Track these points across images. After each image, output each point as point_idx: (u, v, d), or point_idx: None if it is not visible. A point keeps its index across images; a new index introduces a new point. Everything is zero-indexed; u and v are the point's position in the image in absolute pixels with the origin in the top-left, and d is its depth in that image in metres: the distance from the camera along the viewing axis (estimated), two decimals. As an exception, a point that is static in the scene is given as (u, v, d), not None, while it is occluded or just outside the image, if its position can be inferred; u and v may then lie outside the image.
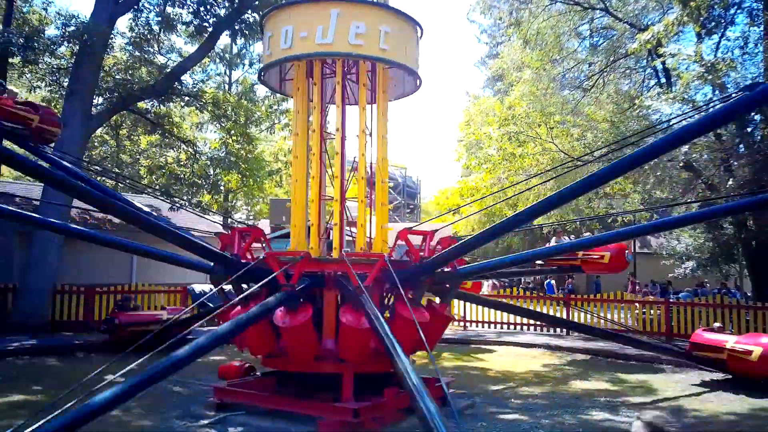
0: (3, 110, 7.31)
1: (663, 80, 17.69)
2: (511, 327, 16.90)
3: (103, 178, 31.68)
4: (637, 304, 16.06)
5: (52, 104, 20.36)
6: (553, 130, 19.72)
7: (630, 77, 20.05)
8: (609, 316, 15.38)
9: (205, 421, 7.34)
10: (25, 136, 7.77)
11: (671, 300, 16.94)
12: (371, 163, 9.13)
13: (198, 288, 14.23)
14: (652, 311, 15.39)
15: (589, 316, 15.64)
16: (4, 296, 14.88)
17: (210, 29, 18.41)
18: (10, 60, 16.57)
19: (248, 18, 18.40)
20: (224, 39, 22.25)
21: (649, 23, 16.68)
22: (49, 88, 18.76)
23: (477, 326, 17.37)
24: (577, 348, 13.82)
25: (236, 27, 18.37)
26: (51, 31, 17.79)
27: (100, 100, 18.40)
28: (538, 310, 16.63)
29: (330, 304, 7.82)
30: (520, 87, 20.74)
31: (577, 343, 14.19)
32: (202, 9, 18.15)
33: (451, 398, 8.45)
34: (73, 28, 15.96)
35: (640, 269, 26.67)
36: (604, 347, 13.41)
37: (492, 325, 17.18)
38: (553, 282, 28.26)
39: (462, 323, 17.28)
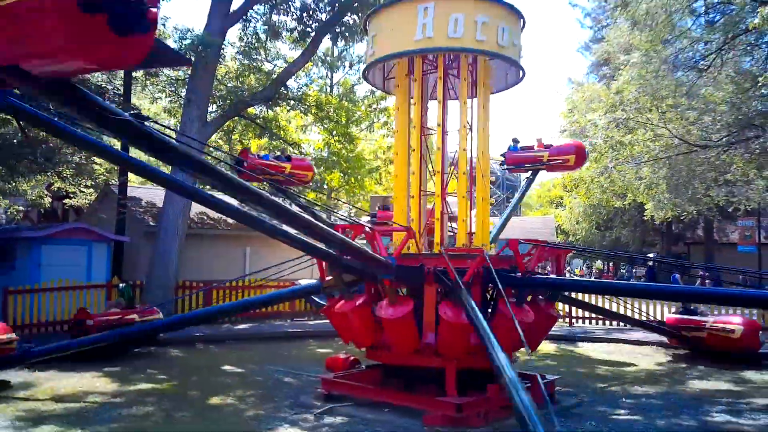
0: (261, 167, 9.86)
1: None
2: (620, 324, 16.12)
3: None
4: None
5: (172, 113, 22.00)
6: (666, 114, 18.60)
7: (752, 54, 18.48)
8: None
9: (315, 411, 7.67)
10: (280, 181, 10.09)
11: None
12: (471, 157, 9.11)
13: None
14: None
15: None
16: (134, 292, 16.25)
17: (312, 34, 19.06)
18: (134, 74, 18.04)
19: (348, 20, 18.85)
20: (325, 42, 22.89)
21: (774, -6, 15.30)
22: (169, 98, 20.21)
23: (584, 322, 16.77)
24: (696, 346, 12.96)
25: (337, 30, 18.88)
26: (169, 45, 19.16)
27: (214, 107, 19.57)
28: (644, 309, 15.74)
29: (429, 299, 7.89)
30: (628, 71, 19.71)
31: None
32: (304, 15, 18.82)
33: (556, 396, 8.31)
34: (188, 41, 17.05)
35: (765, 262, 24.56)
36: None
37: (600, 321, 16.52)
38: (678, 275, 26.72)
39: (568, 319, 16.75)
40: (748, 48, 18.18)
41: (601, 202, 27.36)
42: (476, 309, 6.52)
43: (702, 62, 18.74)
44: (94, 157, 21.24)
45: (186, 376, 10.13)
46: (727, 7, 18.24)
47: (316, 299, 11.15)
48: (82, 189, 20.79)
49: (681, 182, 18.93)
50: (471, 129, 9.01)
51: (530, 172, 11.63)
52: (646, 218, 24.93)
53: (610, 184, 22.95)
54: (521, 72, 9.28)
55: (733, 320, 11.56)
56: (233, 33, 22.22)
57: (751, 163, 16.52)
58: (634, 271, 37.45)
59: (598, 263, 44.80)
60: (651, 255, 42.19)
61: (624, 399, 8.71)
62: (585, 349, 13.54)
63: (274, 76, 20.50)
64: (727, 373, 10.64)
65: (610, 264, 43.66)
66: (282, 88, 19.47)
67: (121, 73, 18.44)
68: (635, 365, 11.47)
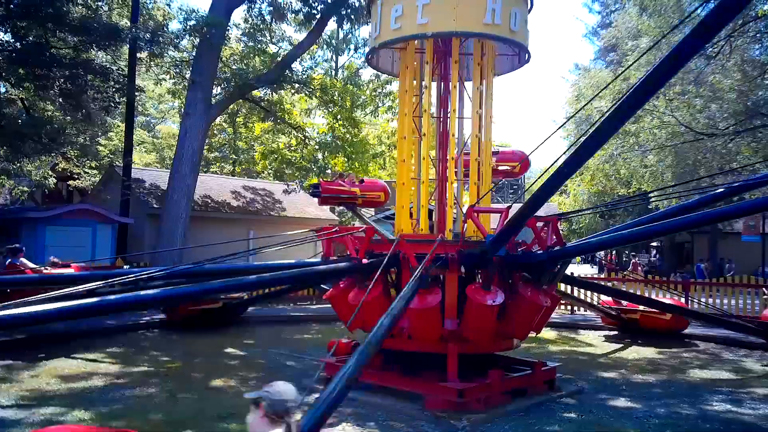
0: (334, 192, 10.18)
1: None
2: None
3: (222, 164, 33.65)
4: (765, 290, 14.79)
5: (176, 95, 21.89)
6: (673, 101, 18.47)
7: (761, 42, 18.29)
8: (733, 302, 14.31)
9: (316, 395, 7.71)
10: (354, 204, 10.50)
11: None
12: (477, 141, 9.04)
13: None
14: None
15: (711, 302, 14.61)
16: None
17: (318, 16, 18.90)
18: (138, 55, 17.96)
19: (354, 2, 18.68)
20: (331, 25, 22.74)
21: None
22: (174, 80, 20.14)
23: (585, 310, 16.77)
24: (697, 335, 13.00)
25: (342, 12, 18.71)
26: (174, 26, 19.11)
27: (219, 89, 19.51)
28: (652, 295, 15.73)
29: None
30: (637, 57, 19.55)
31: (696, 330, 13.33)
32: (310, -4, 18.65)
33: (557, 383, 8.34)
34: (193, 22, 16.98)
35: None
36: (728, 334, 12.49)
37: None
38: (703, 265, 26.76)
39: (569, 306, 16.75)
40: (757, 36, 18.00)
41: (606, 190, 27.26)
42: (405, 294, 6.44)
43: (711, 49, 18.56)
44: (99, 138, 21.25)
45: (189, 358, 10.20)
46: (737, -7, 18.00)
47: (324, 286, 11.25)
48: (86, 170, 20.81)
49: (687, 171, 18.84)
50: (477, 114, 8.94)
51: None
52: (650, 207, 24.79)
53: (615, 171, 22.87)
54: (527, 55, 9.18)
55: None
56: (238, 14, 22.09)
57: (757, 152, 16.41)
58: (637, 259, 37.39)
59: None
60: (655, 244, 42.17)
61: (624, 387, 8.73)
62: (586, 336, 13.56)
63: (279, 59, 20.40)
64: (728, 363, 10.66)
65: (613, 253, 43.59)
66: (287, 70, 19.37)
67: (125, 54, 18.36)
68: (636, 354, 11.50)
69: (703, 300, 14.23)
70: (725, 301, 14.60)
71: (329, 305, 9.05)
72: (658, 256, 40.35)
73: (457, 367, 7.51)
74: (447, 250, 7.52)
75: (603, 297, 13.95)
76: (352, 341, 9.60)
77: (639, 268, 28.90)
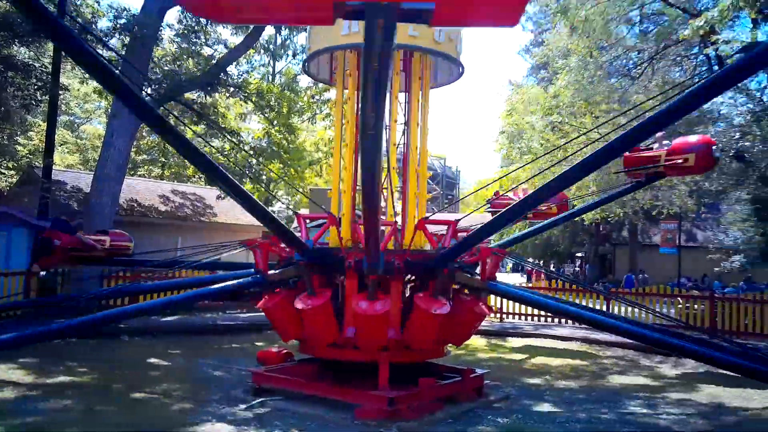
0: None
1: (715, 68, 17.06)
2: (549, 319, 16.70)
3: (150, 168, 32.58)
4: (680, 299, 15.64)
5: (103, 95, 21.04)
6: (599, 119, 19.29)
7: (681, 65, 19.42)
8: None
9: (244, 405, 7.54)
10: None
11: (716, 295, 16.43)
12: (403, 152, 9.15)
13: None
14: (696, 306, 14.97)
15: (632, 311, 15.28)
16: (54, 279, 15.40)
17: (254, 20, 18.64)
18: (64, 52, 17.17)
19: (292, 8, 18.55)
20: (269, 30, 22.50)
21: (703, 9, 16.09)
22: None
23: (514, 318, 17.23)
24: (616, 342, 13.57)
25: (280, 18, 18.53)
26: (103, 24, 18.35)
27: (149, 91, 18.88)
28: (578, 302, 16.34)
29: (350, 292, 7.84)
30: (566, 75, 20.31)
31: (616, 337, 13.89)
32: (247, 0, 18.38)
33: (485, 390, 8.50)
34: (124, 20, 16.39)
35: (685, 264, 25.95)
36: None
37: (529, 317, 17.02)
38: (633, 276, 27.87)
39: (499, 315, 17.17)
40: (678, 59, 19.09)
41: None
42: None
43: (635, 70, 19.55)
44: (18, 137, 20.14)
45: (109, 369, 9.76)
46: (660, 17, 19.07)
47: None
48: (2, 171, 19.67)
49: (610, 185, 19.69)
50: (406, 124, 9.05)
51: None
52: (576, 219, 25.81)
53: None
54: (461, 68, 9.37)
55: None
56: (172, 15, 21.55)
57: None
58: (563, 269, 38.77)
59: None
60: (579, 254, 43.84)
61: (548, 393, 9.00)
62: (514, 343, 13.90)
63: (214, 62, 19.97)
64: (645, 369, 11.18)
65: (541, 261, 44.96)
66: (222, 74, 18.99)
67: (50, 51, 17.52)
68: (560, 360, 11.87)
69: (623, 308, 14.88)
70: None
71: (261, 313, 8.89)
72: (584, 265, 41.95)
73: (388, 376, 7.53)
74: (394, 259, 7.55)
75: None
76: (283, 350, 9.47)
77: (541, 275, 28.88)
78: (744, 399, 8.92)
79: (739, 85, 14.04)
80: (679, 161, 8.19)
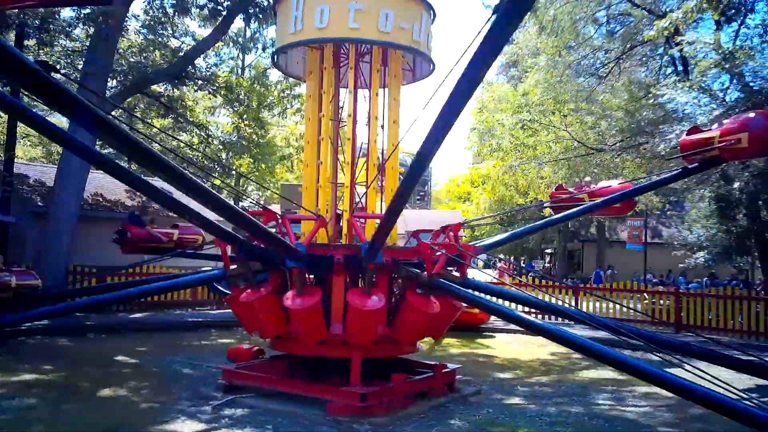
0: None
1: (680, 68, 17.45)
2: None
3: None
4: (646, 294, 15.99)
5: (69, 86, 20.47)
6: (567, 117, 19.57)
7: (646, 65, 19.82)
8: (617, 307, 15.33)
9: (214, 403, 7.44)
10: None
11: (681, 290, 16.85)
12: (382, 149, 9.15)
13: None
14: (662, 302, 15.32)
15: (599, 305, 15.59)
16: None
17: (224, 13, 18.38)
18: (26, 42, 16.66)
19: (262, 2, 18.34)
20: (238, 23, 22.19)
21: (668, 10, 16.42)
22: (64, 71, 18.83)
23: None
24: (585, 337, 13.76)
25: (250, 11, 18.31)
26: (66, 13, 17.86)
27: (114, 82, 18.48)
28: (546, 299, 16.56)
29: (338, 289, 7.81)
30: (535, 74, 20.57)
31: (585, 332, 14.04)
32: (215, -8, 18.12)
33: (457, 385, 8.55)
34: (88, 10, 15.98)
35: (650, 260, 26.55)
36: (612, 336, 13.28)
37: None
38: (602, 272, 28.35)
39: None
40: (644, 59, 19.47)
41: (505, 199, 28.36)
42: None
43: (602, 70, 19.88)
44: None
45: (75, 366, 9.53)
46: (627, 18, 19.42)
47: (220, 288, 10.81)
48: (-40, 163, 19.00)
49: (579, 182, 20.00)
50: (380, 120, 9.04)
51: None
52: (545, 215, 26.16)
53: (514, 182, 23.90)
54: (432, 65, 9.39)
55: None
56: (138, 5, 21.08)
57: (641, 167, 17.71)
58: (533, 264, 39.27)
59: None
60: (549, 251, 44.43)
61: (519, 387, 9.10)
62: (486, 340, 14.03)
63: (182, 54, 19.64)
64: (613, 363, 11.37)
65: (511, 257, 45.48)
66: (190, 66, 18.68)
67: (11, 41, 16.97)
68: (530, 355, 12.02)
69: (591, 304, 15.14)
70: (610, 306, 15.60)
71: (229, 310, 8.78)
72: (553, 262, 42.59)
73: (360, 372, 7.50)
74: (336, 254, 7.52)
75: None
76: (254, 347, 9.37)
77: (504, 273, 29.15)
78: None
79: (702, 85, 14.35)
80: (732, 142, 7.09)
